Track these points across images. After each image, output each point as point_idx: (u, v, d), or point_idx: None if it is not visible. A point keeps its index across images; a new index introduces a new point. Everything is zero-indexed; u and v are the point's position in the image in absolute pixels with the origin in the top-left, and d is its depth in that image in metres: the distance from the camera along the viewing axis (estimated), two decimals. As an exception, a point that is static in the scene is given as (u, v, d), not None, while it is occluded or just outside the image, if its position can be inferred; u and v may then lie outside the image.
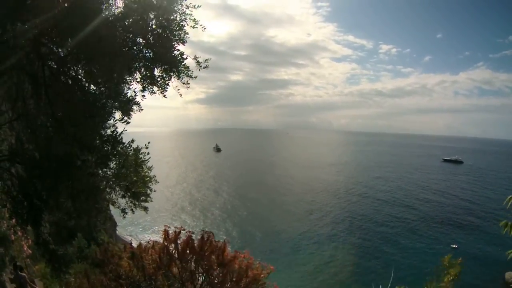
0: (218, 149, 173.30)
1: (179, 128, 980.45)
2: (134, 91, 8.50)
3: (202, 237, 10.20)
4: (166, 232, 10.41)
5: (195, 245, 10.01)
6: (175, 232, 10.36)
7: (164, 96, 8.27)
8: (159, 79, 8.14)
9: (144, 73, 8.13)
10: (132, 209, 10.73)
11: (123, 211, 10.72)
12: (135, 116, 8.75)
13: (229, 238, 39.88)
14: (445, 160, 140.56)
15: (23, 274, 12.49)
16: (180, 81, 8.17)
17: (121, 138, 8.94)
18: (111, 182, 9.97)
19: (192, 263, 10.07)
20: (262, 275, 10.23)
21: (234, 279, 9.89)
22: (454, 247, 43.01)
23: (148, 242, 11.12)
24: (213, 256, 9.93)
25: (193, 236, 10.35)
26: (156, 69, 8.13)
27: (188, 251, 10.02)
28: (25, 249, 15.22)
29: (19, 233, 14.76)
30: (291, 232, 49.81)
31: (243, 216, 59.43)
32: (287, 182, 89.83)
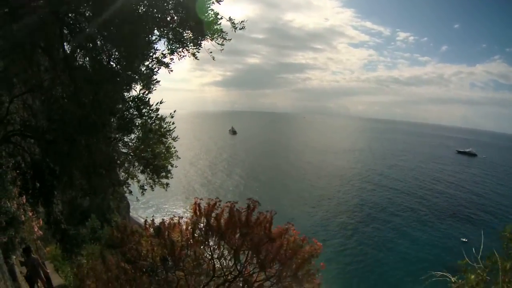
0: (234, 132, 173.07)
1: (195, 110, 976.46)
2: (163, 53, 7.60)
3: (248, 206, 8.67)
4: (197, 206, 9.15)
5: (240, 217, 8.44)
6: (208, 204, 8.99)
7: (196, 58, 7.44)
8: (189, 42, 7.30)
9: (172, 37, 7.31)
10: (151, 186, 9.99)
11: (142, 187, 9.99)
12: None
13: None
14: (459, 152, 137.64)
15: (35, 256, 12.05)
16: (215, 41, 7.30)
17: (148, 99, 8.00)
18: (130, 156, 9.17)
19: (236, 238, 8.56)
20: (317, 251, 8.69)
21: (286, 256, 8.28)
22: (464, 241, 42.27)
23: (172, 218, 9.95)
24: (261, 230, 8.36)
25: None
26: (186, 32, 7.29)
27: (231, 224, 8.49)
28: (36, 230, 14.78)
29: (30, 214, 14.29)
30: (303, 219, 49.21)
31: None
32: (301, 166, 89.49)
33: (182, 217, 9.72)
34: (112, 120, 7.92)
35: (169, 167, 9.98)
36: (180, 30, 7.22)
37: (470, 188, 72.91)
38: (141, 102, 7.75)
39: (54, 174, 9.16)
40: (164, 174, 9.94)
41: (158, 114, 8.47)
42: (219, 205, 8.95)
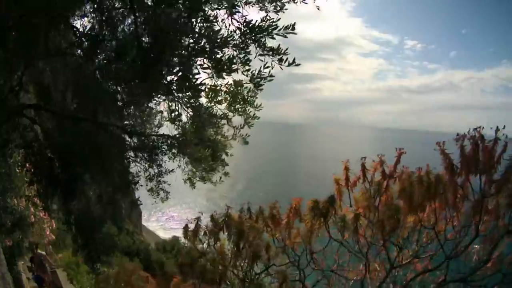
0: (246, 142, 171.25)
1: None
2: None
3: None
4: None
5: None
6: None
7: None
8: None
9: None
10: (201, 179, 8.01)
11: (191, 181, 8.00)
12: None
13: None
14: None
15: (42, 252, 11.52)
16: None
17: None
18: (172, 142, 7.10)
19: None
20: None
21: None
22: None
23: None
24: None
25: None
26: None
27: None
28: (47, 233, 12.79)
29: (40, 215, 12.30)
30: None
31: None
32: (309, 175, 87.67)
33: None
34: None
35: (223, 155, 8.06)
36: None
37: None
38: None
39: (83, 159, 7.18)
40: (214, 165, 8.00)
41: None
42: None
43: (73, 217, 8.31)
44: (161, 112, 8.25)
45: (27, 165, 8.04)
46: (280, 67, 5.07)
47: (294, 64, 5.06)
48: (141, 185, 8.86)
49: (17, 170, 10.10)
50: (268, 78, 5.31)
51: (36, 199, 9.31)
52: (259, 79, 5.35)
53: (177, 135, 7.52)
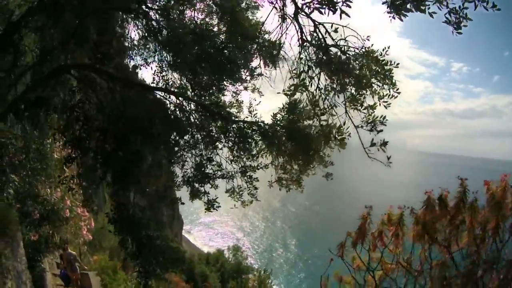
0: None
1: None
2: None
3: None
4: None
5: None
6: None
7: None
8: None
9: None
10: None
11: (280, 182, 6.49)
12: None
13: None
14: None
15: (73, 252, 10.79)
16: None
17: None
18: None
19: None
20: None
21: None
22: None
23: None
24: None
25: None
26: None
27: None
28: (85, 233, 11.40)
29: (78, 211, 10.83)
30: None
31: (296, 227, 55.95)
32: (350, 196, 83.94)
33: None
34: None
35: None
36: None
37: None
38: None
39: (150, 135, 5.69)
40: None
41: None
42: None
43: (124, 214, 6.31)
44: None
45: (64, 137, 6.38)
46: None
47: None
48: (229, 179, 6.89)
49: (53, 149, 8.57)
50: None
51: (74, 189, 7.62)
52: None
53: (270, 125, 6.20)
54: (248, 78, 7.11)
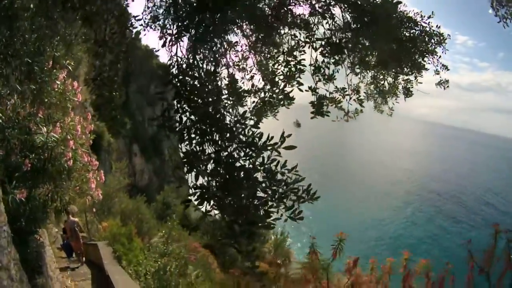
0: (298, 124, 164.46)
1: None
2: None
3: None
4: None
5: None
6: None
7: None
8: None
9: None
10: None
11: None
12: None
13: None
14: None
15: (74, 219, 9.87)
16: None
17: None
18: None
19: None
20: None
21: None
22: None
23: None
24: None
25: None
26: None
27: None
28: (93, 186, 7.20)
29: (84, 158, 6.52)
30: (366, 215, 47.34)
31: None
32: (363, 166, 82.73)
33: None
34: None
35: None
36: None
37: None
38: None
39: None
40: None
41: None
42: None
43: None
44: None
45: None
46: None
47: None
48: None
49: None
50: None
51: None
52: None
53: None
54: None
